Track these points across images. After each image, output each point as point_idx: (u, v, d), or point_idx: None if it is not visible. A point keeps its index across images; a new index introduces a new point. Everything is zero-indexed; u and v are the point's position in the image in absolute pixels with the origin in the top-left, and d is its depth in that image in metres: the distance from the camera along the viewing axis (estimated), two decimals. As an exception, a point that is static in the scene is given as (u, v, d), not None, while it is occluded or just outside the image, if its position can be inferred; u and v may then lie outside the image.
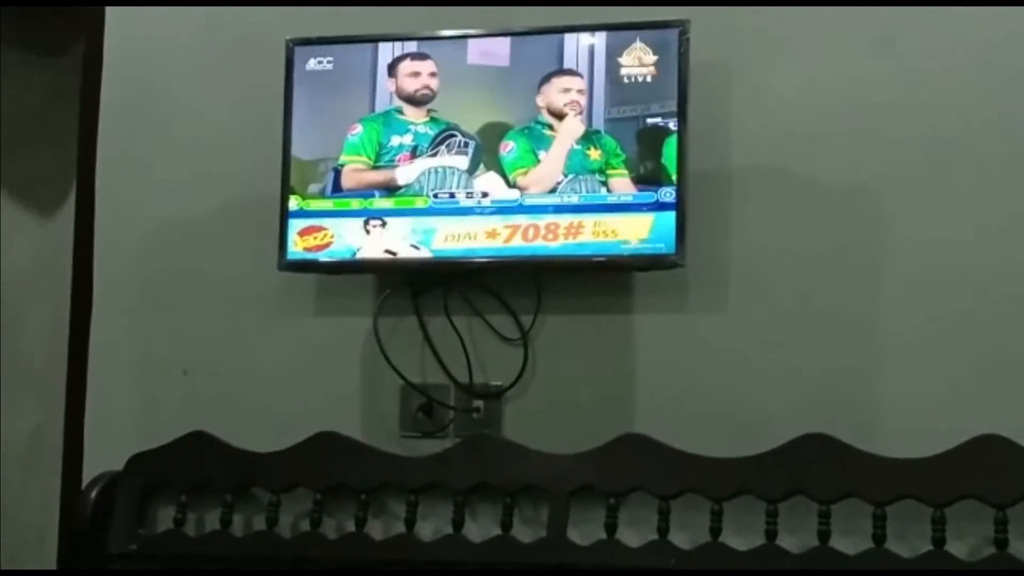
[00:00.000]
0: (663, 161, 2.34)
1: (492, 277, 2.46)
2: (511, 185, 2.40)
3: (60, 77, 3.03)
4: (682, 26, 2.35)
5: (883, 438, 2.25)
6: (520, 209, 2.38)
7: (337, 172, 2.44)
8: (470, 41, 2.46)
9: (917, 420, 2.28)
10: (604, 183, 2.36)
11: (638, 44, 2.37)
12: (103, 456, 2.58)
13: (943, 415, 2.27)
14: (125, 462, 2.52)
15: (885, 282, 2.34)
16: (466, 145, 2.42)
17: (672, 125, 2.34)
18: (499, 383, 2.46)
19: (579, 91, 2.40)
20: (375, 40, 2.48)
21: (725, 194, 2.40)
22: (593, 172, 2.37)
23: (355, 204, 2.44)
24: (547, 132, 2.41)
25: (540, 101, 2.42)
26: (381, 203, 2.43)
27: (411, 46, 2.48)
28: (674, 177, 2.32)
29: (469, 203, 2.40)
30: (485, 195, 2.40)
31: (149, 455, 2.52)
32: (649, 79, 2.36)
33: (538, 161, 2.40)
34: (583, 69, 2.41)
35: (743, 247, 2.39)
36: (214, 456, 2.49)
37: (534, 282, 2.45)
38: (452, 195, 2.41)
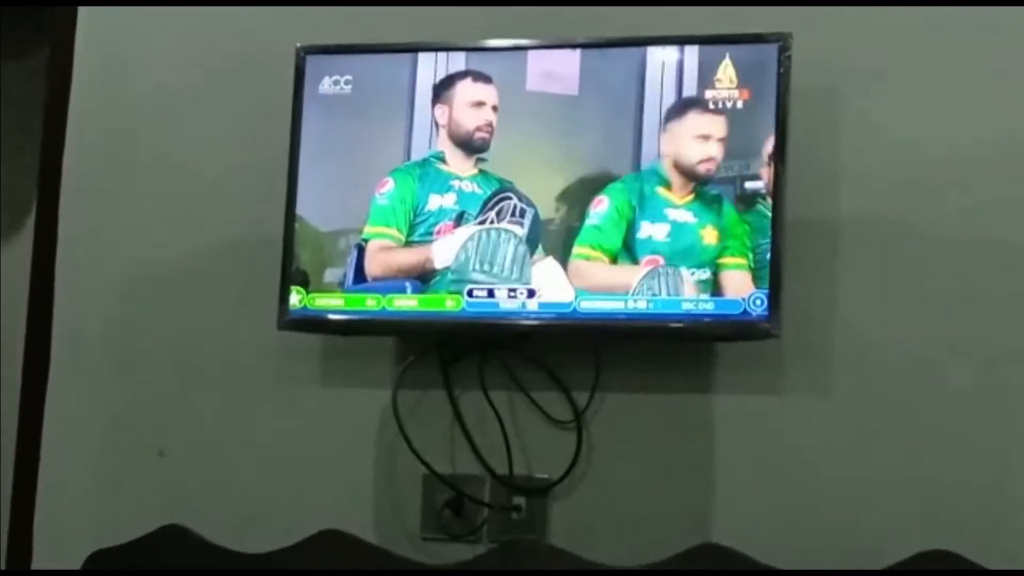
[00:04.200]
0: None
1: (539, 343, 2.26)
2: (569, 270, 2.11)
3: (20, 83, 2.91)
4: (783, 41, 2.09)
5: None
6: (574, 315, 2.09)
7: (361, 250, 2.18)
8: (530, 56, 2.17)
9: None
10: (714, 276, 2.04)
11: (727, 62, 2.11)
12: (57, 552, 2.43)
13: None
14: (84, 560, 2.37)
15: (1030, 360, 2.15)
16: (522, 214, 2.13)
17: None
18: (546, 476, 2.26)
19: (720, 140, 2.07)
20: (412, 50, 2.21)
21: (830, 249, 2.20)
22: (702, 266, 2.05)
23: (371, 303, 2.16)
24: (662, 192, 2.09)
25: (666, 145, 2.09)
26: (403, 302, 2.15)
27: (458, 60, 2.19)
28: (767, 279, 2.03)
29: (511, 305, 2.11)
30: (532, 294, 2.11)
31: (114, 552, 2.37)
32: (740, 106, 2.09)
33: (625, 243, 2.08)
34: (668, 101, 2.10)
35: (852, 315, 2.18)
36: (193, 555, 2.34)
37: (592, 351, 2.23)
38: (491, 292, 2.12)
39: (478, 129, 2.16)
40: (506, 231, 2.12)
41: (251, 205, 2.38)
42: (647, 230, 2.09)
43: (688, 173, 2.08)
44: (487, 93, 2.17)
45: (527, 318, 2.12)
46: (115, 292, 2.48)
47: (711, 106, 2.08)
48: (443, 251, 2.16)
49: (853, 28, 2.23)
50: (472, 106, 2.17)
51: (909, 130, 2.19)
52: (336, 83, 2.22)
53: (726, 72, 2.10)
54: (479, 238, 2.14)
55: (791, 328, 2.10)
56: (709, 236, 2.07)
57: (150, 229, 2.48)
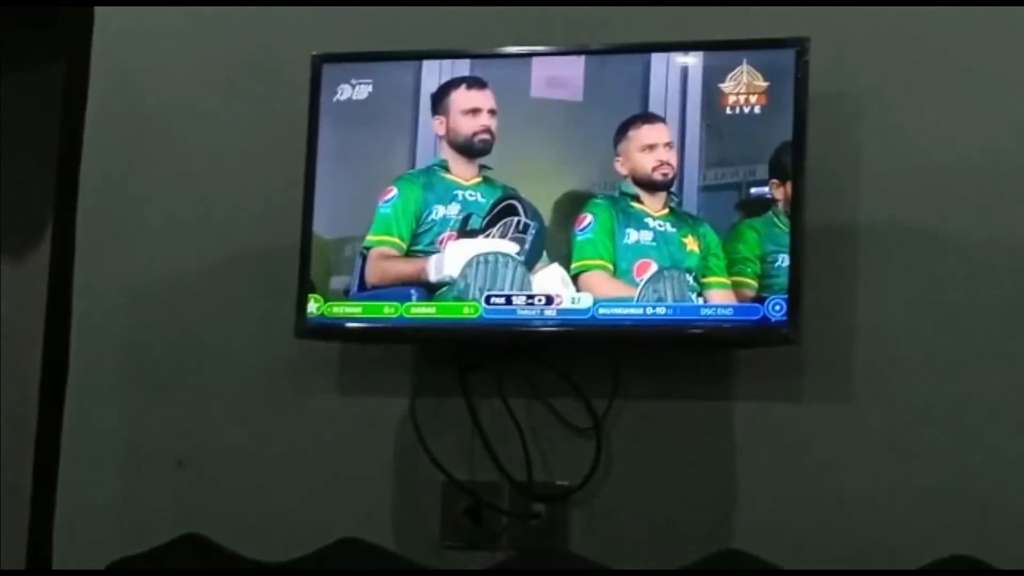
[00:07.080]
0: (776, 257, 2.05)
1: (558, 350, 2.23)
2: (578, 284, 2.10)
3: (38, 92, 2.87)
4: (800, 45, 2.07)
5: (1049, 565, 2.03)
6: (592, 321, 2.09)
7: (364, 258, 2.17)
8: (535, 63, 2.17)
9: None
10: (699, 291, 2.06)
11: (745, 68, 2.09)
12: (77, 561, 2.41)
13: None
14: (103, 569, 2.36)
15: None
16: (524, 228, 2.12)
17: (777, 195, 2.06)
18: (565, 483, 2.23)
19: (666, 145, 2.09)
20: (416, 57, 2.21)
21: (851, 255, 2.17)
22: (688, 270, 2.06)
23: (388, 310, 2.14)
24: (635, 205, 2.11)
25: (621, 167, 2.11)
26: (420, 310, 2.13)
27: (462, 68, 2.18)
28: (785, 281, 2.03)
29: (529, 312, 2.10)
30: (550, 301, 2.10)
31: (132, 562, 2.35)
32: (758, 111, 2.08)
33: (616, 249, 2.09)
34: (672, 106, 2.10)
35: (874, 322, 2.15)
36: (212, 564, 2.33)
37: (610, 357, 2.20)
38: (509, 300, 2.11)
39: (476, 133, 2.14)
40: (503, 255, 2.11)
41: (268, 213, 2.36)
42: (633, 236, 2.09)
43: (648, 183, 2.09)
44: (483, 98, 2.15)
45: (545, 325, 2.10)
46: (132, 303, 2.47)
47: (651, 117, 2.10)
48: (438, 265, 2.14)
49: (871, 33, 2.20)
50: (467, 113, 2.15)
51: (929, 135, 2.16)
52: (355, 87, 2.20)
53: (741, 77, 2.08)
54: (476, 265, 2.12)
55: (810, 334, 2.08)
56: (691, 244, 2.07)
57: (167, 239, 2.46)
